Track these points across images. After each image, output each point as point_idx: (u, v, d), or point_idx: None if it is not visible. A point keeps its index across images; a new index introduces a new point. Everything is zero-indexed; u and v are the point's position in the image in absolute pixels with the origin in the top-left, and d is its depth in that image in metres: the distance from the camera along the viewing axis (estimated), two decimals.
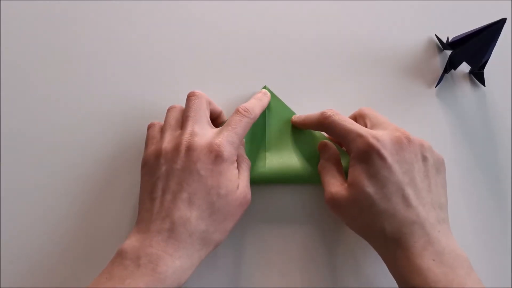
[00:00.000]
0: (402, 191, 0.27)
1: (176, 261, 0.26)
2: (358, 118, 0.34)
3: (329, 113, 0.31)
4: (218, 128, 0.31)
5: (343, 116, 0.31)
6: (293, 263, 0.34)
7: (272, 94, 0.37)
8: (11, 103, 0.37)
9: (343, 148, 0.34)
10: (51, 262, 0.33)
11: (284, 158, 0.36)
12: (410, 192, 0.28)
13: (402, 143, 0.29)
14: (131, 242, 0.26)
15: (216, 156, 0.28)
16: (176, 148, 0.29)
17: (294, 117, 0.36)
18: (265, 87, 0.37)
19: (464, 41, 0.39)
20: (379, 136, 0.29)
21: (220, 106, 0.36)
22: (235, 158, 0.30)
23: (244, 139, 0.34)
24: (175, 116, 0.32)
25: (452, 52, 0.40)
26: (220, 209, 0.28)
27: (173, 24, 0.40)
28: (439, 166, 0.30)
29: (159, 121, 0.33)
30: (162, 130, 0.32)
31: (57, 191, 0.35)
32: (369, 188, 0.28)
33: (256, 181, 0.34)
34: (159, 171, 0.29)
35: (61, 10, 0.40)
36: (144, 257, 0.25)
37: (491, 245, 0.36)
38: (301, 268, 0.34)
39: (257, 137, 0.36)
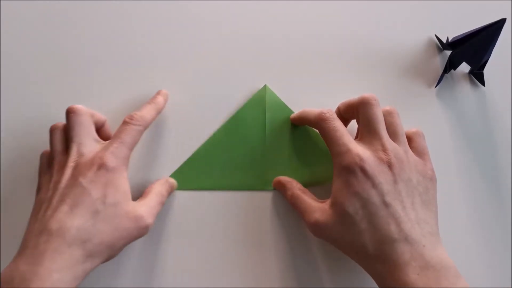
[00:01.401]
0: (383, 210, 0.27)
1: (54, 274, 0.24)
2: (354, 108, 0.32)
3: (327, 115, 0.31)
4: (107, 142, 0.30)
5: (338, 123, 0.31)
6: (292, 263, 0.34)
7: (272, 93, 0.37)
8: (9, 102, 0.37)
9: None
10: None
11: (283, 158, 0.36)
12: (391, 211, 0.27)
13: (384, 165, 0.29)
14: (8, 266, 0.26)
15: (99, 167, 0.28)
16: (63, 172, 0.29)
17: (292, 115, 0.36)
18: (265, 87, 0.37)
19: (464, 41, 0.39)
20: (364, 155, 0.29)
21: (220, 106, 0.36)
22: (123, 168, 0.30)
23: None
24: (59, 138, 0.31)
25: (452, 52, 0.40)
26: (107, 219, 0.27)
27: (173, 24, 0.40)
28: (427, 183, 0.30)
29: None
30: (50, 156, 0.31)
31: None
32: (350, 208, 0.28)
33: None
34: (45, 196, 0.29)
35: (61, 10, 0.40)
36: (17, 277, 0.24)
37: (491, 245, 0.36)
38: (300, 268, 0.34)
39: (256, 137, 0.36)
